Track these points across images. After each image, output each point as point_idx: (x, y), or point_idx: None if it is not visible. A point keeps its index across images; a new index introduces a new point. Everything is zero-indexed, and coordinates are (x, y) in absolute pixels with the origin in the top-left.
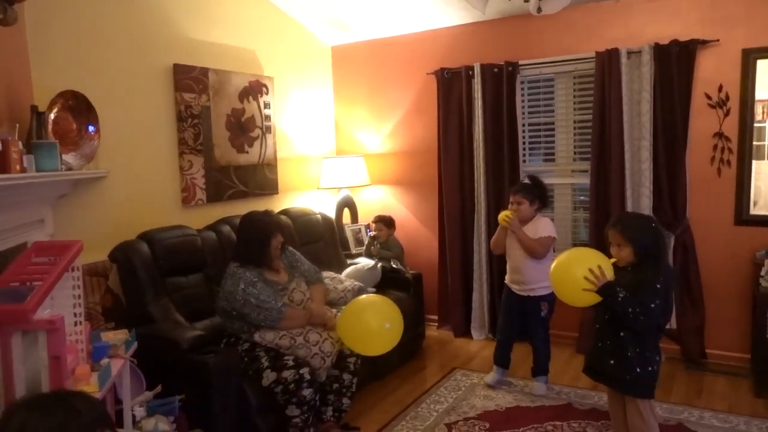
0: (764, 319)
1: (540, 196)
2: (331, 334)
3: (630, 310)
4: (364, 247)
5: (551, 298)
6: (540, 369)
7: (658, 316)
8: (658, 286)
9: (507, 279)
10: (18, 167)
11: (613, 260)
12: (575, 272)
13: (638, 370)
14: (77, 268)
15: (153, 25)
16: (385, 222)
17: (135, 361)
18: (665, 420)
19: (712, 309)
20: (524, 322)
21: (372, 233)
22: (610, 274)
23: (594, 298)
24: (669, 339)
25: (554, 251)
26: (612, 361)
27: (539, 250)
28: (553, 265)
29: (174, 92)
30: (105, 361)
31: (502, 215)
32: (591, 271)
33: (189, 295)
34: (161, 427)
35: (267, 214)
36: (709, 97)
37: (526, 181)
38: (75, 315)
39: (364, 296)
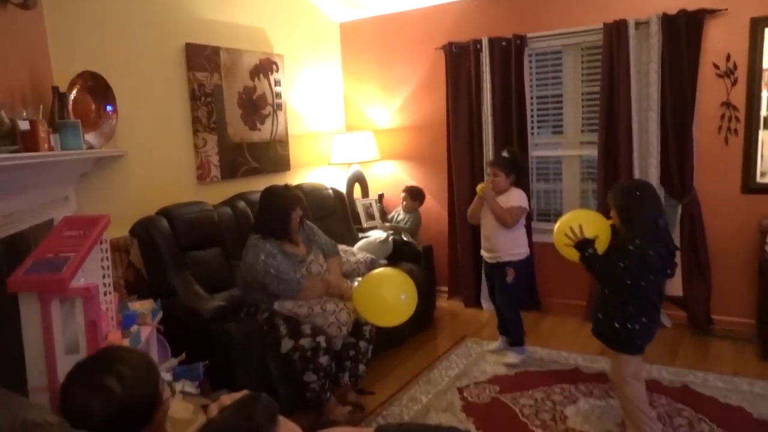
0: None
1: (516, 169)
2: (347, 305)
3: (597, 266)
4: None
5: (518, 266)
6: (513, 340)
7: (626, 276)
8: (631, 247)
9: (481, 249)
10: (46, 146)
11: (610, 221)
12: (564, 229)
13: (616, 325)
14: (105, 241)
15: (165, 5)
16: (411, 193)
17: (161, 328)
18: (670, 382)
19: (718, 276)
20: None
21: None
22: (591, 233)
23: (576, 254)
24: (676, 306)
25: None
26: (600, 316)
27: (508, 219)
28: (556, 225)
29: (187, 71)
30: (134, 328)
31: (479, 186)
32: (571, 228)
33: (208, 269)
34: (188, 388)
35: (287, 188)
36: (717, 67)
37: (505, 154)
38: (104, 285)
39: (379, 269)
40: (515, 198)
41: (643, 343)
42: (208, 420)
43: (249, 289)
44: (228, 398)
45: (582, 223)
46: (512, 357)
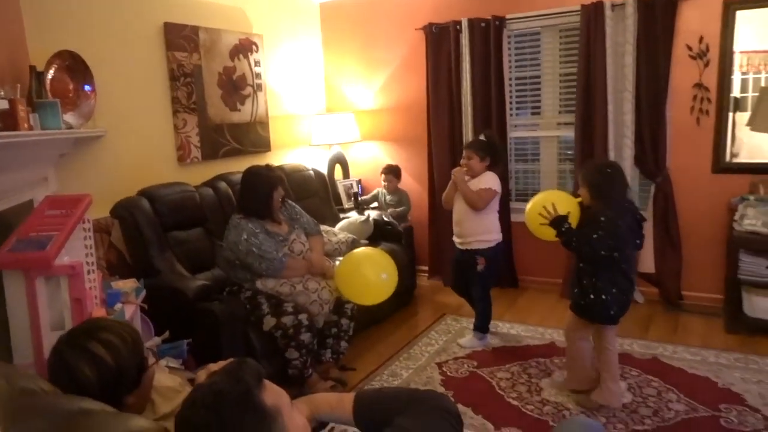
0: (737, 261)
1: (491, 153)
2: (329, 283)
3: (574, 239)
4: (367, 197)
5: (489, 254)
6: (477, 325)
7: (601, 246)
8: (602, 218)
9: (453, 235)
10: (26, 125)
11: (579, 199)
12: (537, 210)
13: (591, 297)
14: (87, 220)
15: None
16: (394, 172)
17: (145, 306)
18: (641, 355)
19: (689, 253)
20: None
21: (383, 185)
22: (563, 210)
23: (552, 231)
24: (648, 282)
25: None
26: (575, 290)
27: (477, 202)
28: (527, 207)
29: (165, 51)
30: (118, 306)
31: (454, 170)
32: (545, 207)
33: (191, 249)
34: (172, 362)
35: (269, 168)
36: (690, 49)
37: (482, 137)
38: (88, 264)
39: (360, 249)
40: (486, 181)
41: (617, 314)
42: (197, 384)
43: (232, 268)
44: (215, 366)
45: (554, 201)
46: (469, 340)
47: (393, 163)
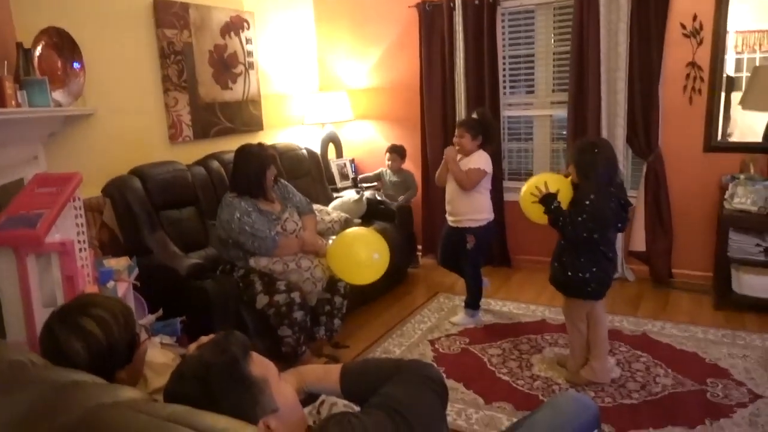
0: (726, 239)
1: (484, 131)
2: (321, 261)
3: (560, 218)
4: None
5: (478, 232)
6: (468, 302)
7: (583, 229)
8: (587, 202)
9: (446, 212)
10: (14, 102)
11: (569, 177)
12: (530, 190)
13: (569, 273)
14: (78, 198)
15: None
16: (399, 152)
17: (138, 284)
18: (631, 332)
19: (680, 232)
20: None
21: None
22: (554, 188)
23: (542, 211)
24: (639, 260)
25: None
26: (556, 265)
27: (465, 182)
28: (521, 191)
29: (155, 28)
30: (111, 284)
31: (446, 149)
32: (536, 186)
33: (183, 228)
34: (166, 339)
35: (261, 146)
36: (683, 27)
37: (475, 116)
38: (79, 242)
39: (352, 229)
40: (476, 161)
41: (596, 290)
42: (185, 355)
43: (225, 246)
44: (206, 338)
45: (546, 180)
46: (460, 317)
47: (398, 143)
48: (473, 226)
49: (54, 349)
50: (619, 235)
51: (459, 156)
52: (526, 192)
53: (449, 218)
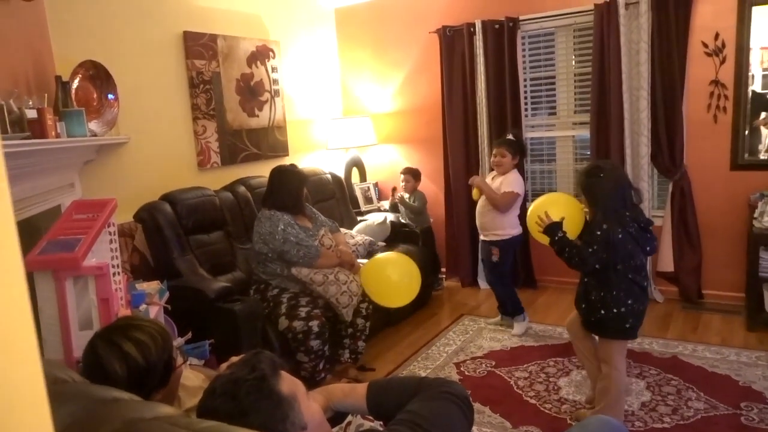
0: (757, 258)
1: (521, 151)
2: (356, 278)
3: (567, 250)
4: (387, 202)
5: (503, 245)
6: (510, 311)
7: (594, 260)
8: (598, 232)
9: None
10: (53, 133)
11: (583, 206)
12: (533, 218)
13: (602, 312)
14: (113, 224)
15: None
16: (413, 174)
17: (169, 307)
18: (660, 354)
19: (709, 251)
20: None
21: (402, 186)
22: (557, 216)
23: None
24: (667, 281)
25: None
26: (583, 305)
27: (500, 205)
28: (528, 211)
29: (185, 59)
30: (143, 306)
31: (471, 180)
32: (538, 216)
33: (211, 251)
34: (195, 361)
35: (295, 166)
36: (705, 45)
37: (510, 136)
38: (114, 266)
39: (387, 253)
40: (510, 183)
41: (633, 325)
42: (217, 374)
43: (262, 263)
44: (236, 358)
45: (550, 207)
46: (516, 328)
47: (413, 166)
48: (496, 240)
49: (95, 367)
50: None
51: (494, 174)
52: (531, 219)
53: (480, 234)
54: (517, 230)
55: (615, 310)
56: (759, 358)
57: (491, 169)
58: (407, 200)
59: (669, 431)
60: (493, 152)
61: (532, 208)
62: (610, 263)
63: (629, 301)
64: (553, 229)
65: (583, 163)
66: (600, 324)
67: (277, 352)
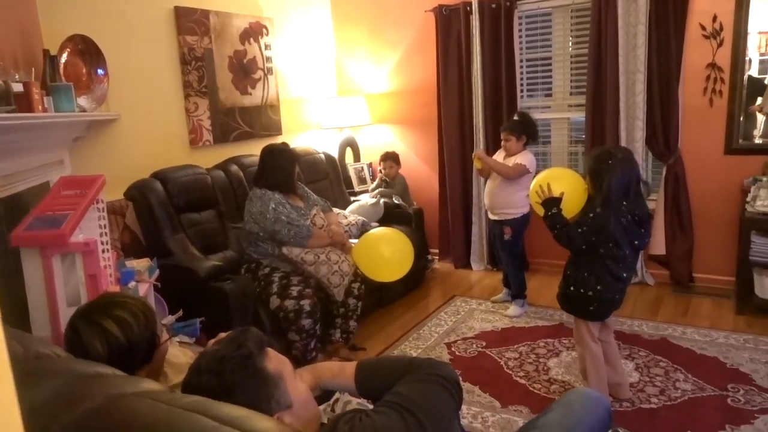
0: (749, 242)
1: (528, 131)
2: (348, 257)
3: (557, 227)
4: (373, 186)
5: (515, 224)
6: (513, 293)
7: (581, 241)
8: (591, 214)
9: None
10: (40, 108)
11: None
12: (535, 188)
13: (571, 288)
14: (101, 200)
15: None
16: (394, 159)
17: (159, 285)
18: (650, 336)
19: (701, 235)
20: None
21: (381, 172)
22: (557, 191)
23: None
24: (658, 264)
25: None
26: (562, 279)
27: (510, 172)
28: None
29: (177, 35)
30: (132, 284)
31: (475, 162)
32: (540, 186)
33: (203, 230)
34: (185, 339)
35: (287, 145)
36: (703, 28)
37: (516, 117)
38: (102, 243)
39: (378, 228)
40: (522, 157)
41: (597, 311)
42: (202, 351)
43: (252, 242)
44: (224, 334)
45: (553, 181)
46: (513, 310)
47: (390, 150)
48: (508, 218)
49: (76, 345)
50: None
51: (504, 154)
52: (532, 189)
53: (489, 214)
54: (527, 209)
55: (582, 290)
56: (747, 341)
57: (487, 152)
58: (387, 190)
59: (656, 411)
60: (501, 137)
61: (536, 179)
62: (594, 247)
63: (598, 287)
64: (550, 203)
65: (578, 146)
66: (565, 298)
67: (268, 331)
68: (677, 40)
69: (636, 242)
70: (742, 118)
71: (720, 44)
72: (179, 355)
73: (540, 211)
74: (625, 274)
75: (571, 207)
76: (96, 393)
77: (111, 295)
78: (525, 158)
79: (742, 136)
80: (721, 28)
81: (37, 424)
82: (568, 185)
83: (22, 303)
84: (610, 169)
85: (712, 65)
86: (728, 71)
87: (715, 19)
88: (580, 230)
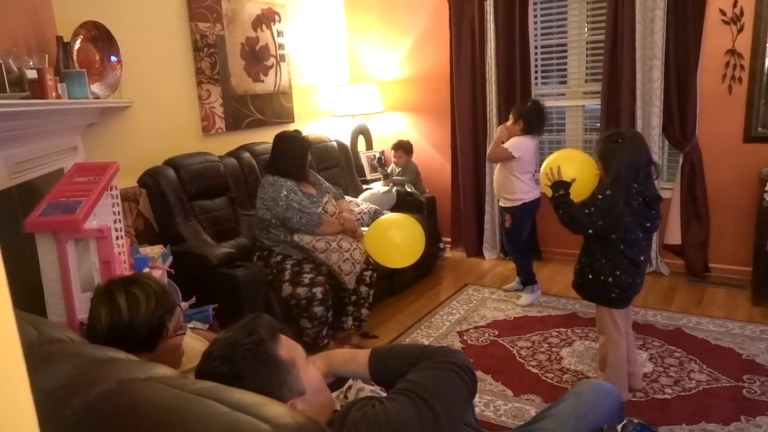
0: (766, 232)
1: (526, 116)
2: (359, 244)
3: (562, 209)
4: (388, 170)
5: (515, 211)
6: (523, 281)
7: (587, 224)
8: (600, 196)
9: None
10: (54, 94)
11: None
12: (545, 170)
13: (590, 276)
14: (115, 187)
15: None
16: (405, 149)
17: (172, 271)
18: (664, 326)
19: (717, 224)
20: None
21: (393, 161)
22: (568, 176)
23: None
24: (674, 254)
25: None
26: (577, 266)
27: (490, 154)
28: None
29: (189, 21)
30: (146, 270)
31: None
32: (551, 168)
33: (215, 217)
34: (198, 325)
35: (299, 132)
36: (723, 13)
37: (529, 103)
38: (116, 230)
39: (389, 215)
40: (511, 143)
41: (619, 297)
42: (215, 338)
43: (265, 229)
44: (237, 323)
45: (564, 163)
46: (523, 299)
47: (403, 139)
48: (508, 206)
49: (90, 313)
50: None
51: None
52: (543, 170)
53: (498, 199)
54: (530, 195)
55: (602, 278)
56: (763, 331)
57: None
58: (399, 178)
59: (670, 402)
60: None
61: (547, 160)
62: (604, 231)
63: (617, 272)
64: (557, 186)
65: (593, 134)
66: (584, 287)
67: (279, 318)
68: (696, 25)
69: (648, 224)
70: (761, 105)
71: (740, 30)
72: (196, 344)
73: (548, 192)
74: (642, 257)
75: (581, 190)
76: (108, 377)
77: (141, 275)
78: (512, 142)
79: (761, 123)
80: (742, 14)
81: (51, 406)
82: (578, 167)
83: (38, 288)
84: (620, 148)
85: (732, 51)
86: (748, 58)
87: (735, 4)
88: (587, 211)
